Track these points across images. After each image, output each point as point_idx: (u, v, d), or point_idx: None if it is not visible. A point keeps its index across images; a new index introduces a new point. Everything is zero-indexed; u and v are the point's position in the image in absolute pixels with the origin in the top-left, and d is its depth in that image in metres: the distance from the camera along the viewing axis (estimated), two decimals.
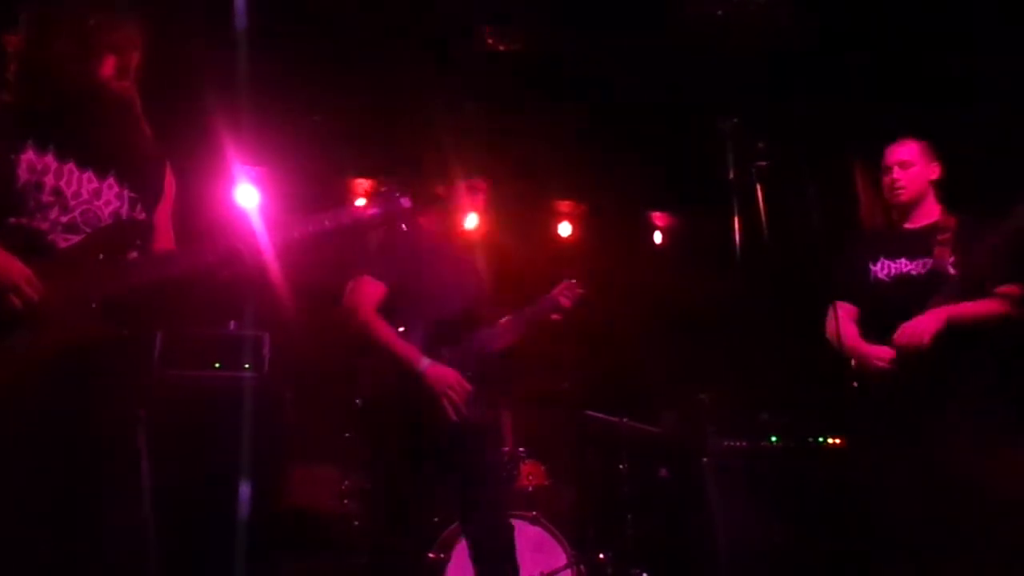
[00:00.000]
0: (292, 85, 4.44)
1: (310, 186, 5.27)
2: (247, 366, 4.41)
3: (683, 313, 5.18)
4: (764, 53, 2.44)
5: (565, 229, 5.99)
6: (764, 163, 2.35)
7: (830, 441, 4.23)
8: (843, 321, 2.90)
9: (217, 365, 4.37)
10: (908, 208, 3.03)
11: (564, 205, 6.01)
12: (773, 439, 5.28)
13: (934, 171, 3.04)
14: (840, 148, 3.86)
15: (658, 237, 6.04)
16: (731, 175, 2.40)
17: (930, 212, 3.03)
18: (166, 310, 2.34)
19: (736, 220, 2.42)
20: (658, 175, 4.81)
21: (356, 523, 4.51)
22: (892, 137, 3.07)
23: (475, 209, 3.25)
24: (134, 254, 2.11)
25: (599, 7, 3.82)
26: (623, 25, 3.77)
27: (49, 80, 2.05)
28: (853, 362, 2.90)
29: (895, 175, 3.01)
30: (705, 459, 4.77)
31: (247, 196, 4.93)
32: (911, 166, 3.01)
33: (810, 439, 4.55)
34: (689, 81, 3.71)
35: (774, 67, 3.07)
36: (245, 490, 3.71)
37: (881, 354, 2.82)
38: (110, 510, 2.00)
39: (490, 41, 4.01)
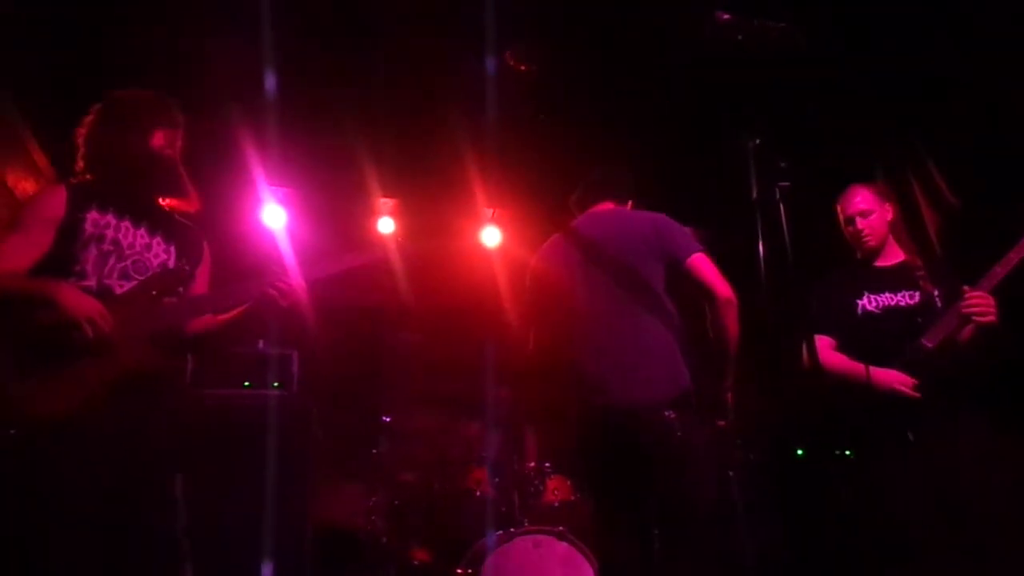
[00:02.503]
0: (317, 106, 4.51)
1: (336, 205, 5.35)
2: (276, 384, 4.48)
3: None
4: (785, 75, 2.48)
5: None
6: (787, 183, 2.38)
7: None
8: (835, 353, 3.14)
9: (247, 384, 4.44)
10: (876, 251, 3.23)
11: None
12: (799, 452, 5.27)
13: (889, 212, 3.26)
14: (861, 167, 3.90)
15: None
16: (754, 195, 2.43)
17: (894, 250, 3.25)
18: (203, 343, 2.63)
19: (760, 239, 2.44)
20: (683, 194, 4.84)
21: (384, 539, 4.55)
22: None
23: None
24: (174, 299, 2.48)
25: (622, 29, 3.87)
26: (646, 48, 3.82)
27: (109, 153, 2.50)
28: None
29: (859, 225, 3.21)
30: (731, 473, 4.77)
31: (274, 216, 5.01)
32: (871, 213, 3.21)
33: (836, 452, 4.54)
34: (712, 102, 3.76)
35: (795, 88, 3.12)
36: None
37: (906, 381, 2.96)
38: (149, 517, 2.30)
39: (511, 62, 4.07)
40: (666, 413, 2.65)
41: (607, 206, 3.13)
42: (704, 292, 2.81)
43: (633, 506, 2.70)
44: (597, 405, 2.72)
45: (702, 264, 2.83)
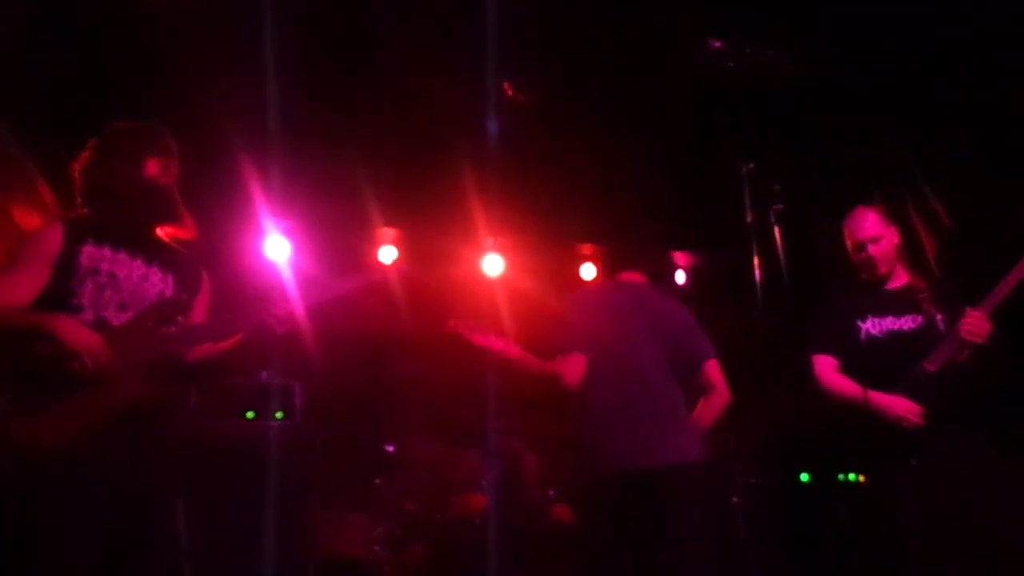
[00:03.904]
0: (320, 137, 4.57)
1: (337, 235, 5.39)
2: (279, 415, 4.49)
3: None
4: (777, 100, 2.53)
5: (588, 271, 6.05)
6: (781, 206, 2.40)
7: (860, 478, 4.22)
8: (839, 375, 3.12)
9: (250, 414, 4.45)
10: (885, 276, 3.20)
11: (586, 248, 6.07)
12: (803, 477, 5.25)
13: (895, 235, 3.23)
14: (853, 189, 3.94)
15: (680, 277, 6.08)
16: (749, 218, 2.45)
17: (900, 273, 3.22)
18: (203, 372, 2.61)
19: (756, 261, 2.47)
20: (679, 218, 4.88)
21: (387, 569, 4.53)
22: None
23: None
24: (173, 328, 2.46)
25: (615, 57, 3.93)
26: (640, 75, 3.88)
27: (103, 184, 2.51)
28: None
29: (871, 251, 3.18)
30: (735, 499, 4.75)
31: (277, 248, 5.04)
32: (880, 239, 3.18)
33: (839, 476, 4.53)
34: (707, 127, 3.80)
35: (787, 113, 3.17)
36: None
37: (910, 408, 2.93)
38: (150, 547, 2.29)
39: (510, 92, 4.14)
40: (702, 472, 3.00)
41: (640, 278, 3.36)
42: (711, 389, 3.22)
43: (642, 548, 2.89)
44: (645, 457, 2.92)
45: (716, 367, 3.25)
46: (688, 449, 2.98)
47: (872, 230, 3.18)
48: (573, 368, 3.00)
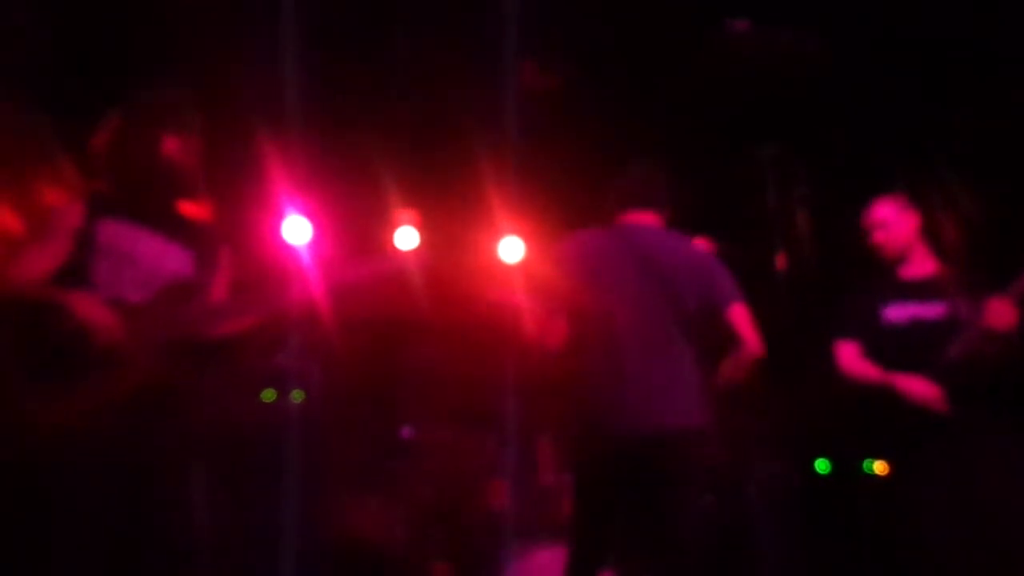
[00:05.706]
0: (339, 118, 4.57)
1: (358, 219, 5.39)
2: (295, 395, 4.52)
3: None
4: (800, 82, 2.50)
5: None
6: (806, 189, 2.39)
7: (876, 466, 4.20)
8: (861, 360, 3.11)
9: (266, 395, 4.48)
10: (896, 261, 3.20)
11: None
12: (824, 468, 5.23)
13: (912, 223, 3.21)
14: (878, 175, 3.91)
15: None
16: (773, 202, 2.44)
17: (924, 261, 3.21)
18: (220, 352, 2.57)
19: (779, 246, 2.45)
20: (701, 203, 4.84)
21: (404, 554, 4.56)
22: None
23: None
24: (192, 308, 2.44)
25: (636, 39, 3.90)
26: (664, 57, 3.85)
27: (123, 161, 2.49)
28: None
29: (877, 236, 3.21)
30: (753, 488, 4.74)
31: (297, 230, 5.05)
32: (888, 225, 3.19)
33: (858, 464, 4.50)
34: (730, 111, 3.77)
35: (810, 95, 3.13)
36: None
37: (932, 390, 2.91)
38: (163, 528, 2.29)
39: (530, 76, 4.12)
40: (690, 440, 2.77)
41: (651, 217, 3.02)
42: (736, 341, 2.85)
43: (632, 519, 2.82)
44: (625, 425, 2.73)
45: (741, 313, 2.87)
46: (682, 413, 2.77)
47: (880, 215, 3.20)
48: (553, 334, 2.88)
